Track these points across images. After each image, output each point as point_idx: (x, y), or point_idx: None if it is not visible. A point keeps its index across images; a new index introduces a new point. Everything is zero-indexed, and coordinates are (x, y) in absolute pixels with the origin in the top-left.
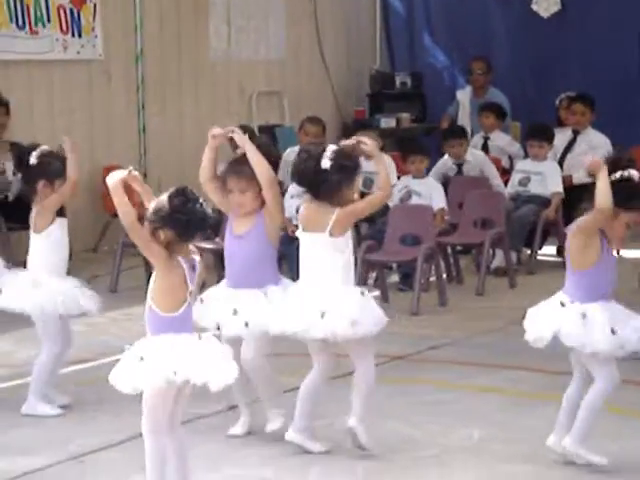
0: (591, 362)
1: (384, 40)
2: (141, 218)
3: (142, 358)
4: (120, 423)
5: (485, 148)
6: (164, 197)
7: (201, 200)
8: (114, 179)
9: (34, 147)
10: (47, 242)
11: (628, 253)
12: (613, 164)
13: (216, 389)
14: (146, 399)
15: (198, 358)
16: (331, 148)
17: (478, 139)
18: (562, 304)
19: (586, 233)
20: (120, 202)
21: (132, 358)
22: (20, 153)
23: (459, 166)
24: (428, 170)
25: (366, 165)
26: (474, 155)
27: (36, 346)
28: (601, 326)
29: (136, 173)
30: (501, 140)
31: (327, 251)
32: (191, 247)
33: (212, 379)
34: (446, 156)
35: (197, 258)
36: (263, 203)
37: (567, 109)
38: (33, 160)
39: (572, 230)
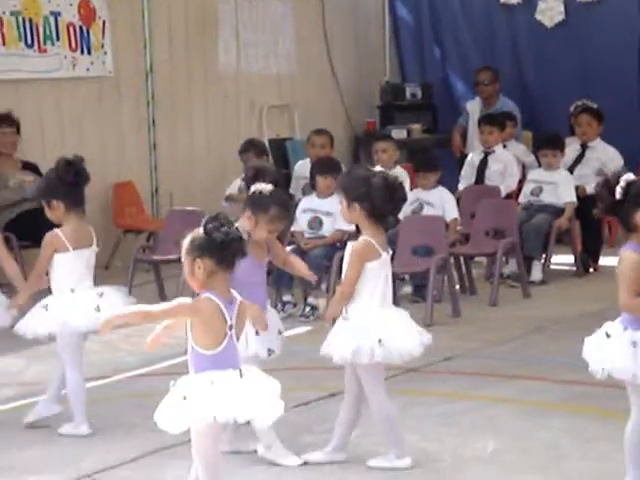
0: (636, 392)
1: (394, 51)
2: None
3: (185, 397)
4: (133, 441)
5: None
6: (198, 228)
7: (236, 225)
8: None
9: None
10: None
11: None
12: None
13: (261, 426)
14: (194, 440)
15: (242, 396)
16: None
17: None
18: (607, 335)
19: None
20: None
21: (176, 397)
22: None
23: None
24: (439, 182)
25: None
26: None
27: (45, 365)
28: None
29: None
30: (516, 149)
31: None
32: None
33: (257, 416)
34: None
35: (234, 292)
36: None
37: (576, 119)
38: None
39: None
